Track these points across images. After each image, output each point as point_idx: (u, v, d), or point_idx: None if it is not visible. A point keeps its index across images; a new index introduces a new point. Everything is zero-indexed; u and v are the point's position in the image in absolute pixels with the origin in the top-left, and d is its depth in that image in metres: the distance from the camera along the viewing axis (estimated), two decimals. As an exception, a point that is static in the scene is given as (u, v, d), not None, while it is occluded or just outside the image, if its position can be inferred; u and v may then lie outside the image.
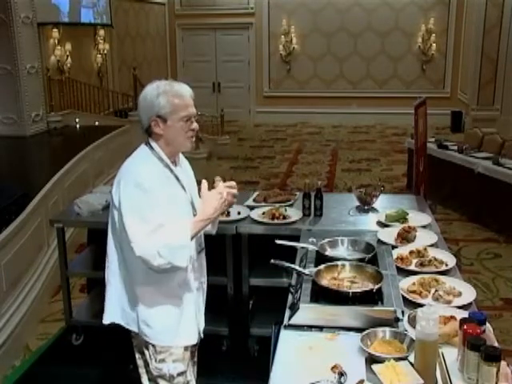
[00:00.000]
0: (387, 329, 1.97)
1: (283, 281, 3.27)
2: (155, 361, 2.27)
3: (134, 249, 2.06)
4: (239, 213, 3.43)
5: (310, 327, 2.08)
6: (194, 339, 2.33)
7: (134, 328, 2.27)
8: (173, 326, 2.25)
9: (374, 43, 12.59)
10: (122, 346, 2.64)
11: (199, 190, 2.28)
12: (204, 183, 2.20)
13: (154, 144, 2.19)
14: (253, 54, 13.08)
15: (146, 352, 2.28)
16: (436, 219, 3.43)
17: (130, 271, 2.21)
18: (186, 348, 2.30)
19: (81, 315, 3.80)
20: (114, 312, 2.31)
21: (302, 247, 2.69)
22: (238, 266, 3.47)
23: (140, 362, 2.38)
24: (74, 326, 3.76)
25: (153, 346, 2.25)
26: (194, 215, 2.25)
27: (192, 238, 2.13)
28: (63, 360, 3.64)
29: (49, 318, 4.21)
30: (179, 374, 2.29)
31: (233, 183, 2.23)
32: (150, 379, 2.36)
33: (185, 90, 2.19)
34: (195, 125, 2.20)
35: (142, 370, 2.38)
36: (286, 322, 2.13)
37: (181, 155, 2.34)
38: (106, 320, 2.33)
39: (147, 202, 2.07)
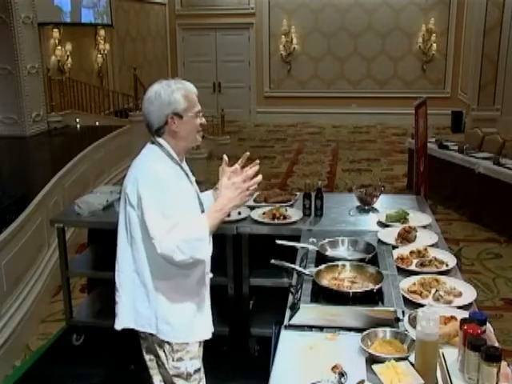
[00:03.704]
0: (388, 329, 1.97)
1: (283, 281, 3.27)
2: (172, 360, 2.25)
3: (155, 246, 2.05)
4: (239, 213, 3.43)
5: (311, 327, 2.08)
6: (209, 333, 2.34)
7: (149, 329, 2.24)
8: (191, 322, 2.25)
9: (375, 43, 12.60)
10: (123, 347, 2.64)
11: (201, 189, 2.28)
12: (224, 172, 2.20)
13: (163, 142, 2.21)
14: (253, 54, 13.08)
15: (161, 353, 2.27)
16: (436, 219, 3.43)
17: (150, 269, 2.19)
18: (199, 344, 2.31)
19: (81, 315, 3.80)
20: (127, 317, 2.28)
21: (303, 247, 2.69)
22: (239, 266, 3.47)
23: (151, 364, 2.37)
24: (75, 326, 3.76)
25: (169, 344, 2.23)
26: (201, 209, 2.26)
27: (212, 230, 2.11)
28: (64, 360, 3.64)
29: (49, 318, 4.21)
30: (196, 371, 2.30)
31: (249, 174, 2.15)
32: (163, 381, 2.36)
33: (193, 86, 2.25)
34: (204, 119, 2.26)
35: (153, 372, 2.38)
36: (286, 322, 2.13)
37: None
38: (119, 326, 2.31)
39: (167, 198, 2.08)
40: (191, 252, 2.05)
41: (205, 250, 2.08)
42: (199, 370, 2.32)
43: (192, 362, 2.27)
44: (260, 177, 2.15)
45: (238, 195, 2.12)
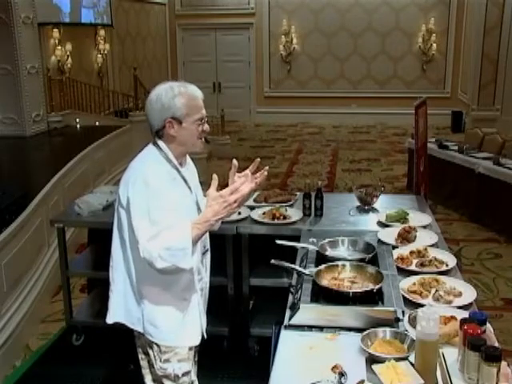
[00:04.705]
0: (387, 329, 1.97)
1: (283, 281, 3.27)
2: (160, 361, 2.25)
3: (139, 250, 2.04)
4: (239, 213, 3.42)
5: (311, 327, 2.08)
6: (197, 340, 2.32)
7: (138, 328, 2.26)
8: (177, 327, 2.24)
9: (375, 43, 12.60)
10: (123, 347, 2.64)
11: (204, 189, 2.24)
12: (214, 181, 2.09)
13: (162, 145, 2.18)
14: (253, 54, 13.08)
15: (151, 352, 2.27)
16: (436, 219, 3.43)
17: (136, 270, 2.19)
18: (190, 348, 2.30)
19: (81, 315, 3.80)
20: (118, 311, 2.29)
21: (303, 247, 2.69)
22: (239, 266, 3.47)
23: (144, 363, 2.37)
24: (75, 326, 3.76)
25: (157, 345, 2.24)
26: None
27: (195, 240, 2.06)
28: (63, 360, 3.64)
29: (49, 318, 4.21)
30: (184, 374, 2.28)
31: (236, 186, 2.07)
32: (154, 380, 2.35)
33: (198, 92, 2.19)
34: (207, 126, 2.21)
35: (145, 371, 2.38)
36: (286, 322, 2.13)
37: (187, 155, 2.34)
38: (110, 319, 2.32)
39: (156, 202, 2.05)
40: (172, 260, 2.01)
41: (187, 260, 2.03)
42: (188, 372, 2.29)
43: (180, 364, 2.26)
44: (246, 189, 2.07)
45: (224, 209, 2.05)
